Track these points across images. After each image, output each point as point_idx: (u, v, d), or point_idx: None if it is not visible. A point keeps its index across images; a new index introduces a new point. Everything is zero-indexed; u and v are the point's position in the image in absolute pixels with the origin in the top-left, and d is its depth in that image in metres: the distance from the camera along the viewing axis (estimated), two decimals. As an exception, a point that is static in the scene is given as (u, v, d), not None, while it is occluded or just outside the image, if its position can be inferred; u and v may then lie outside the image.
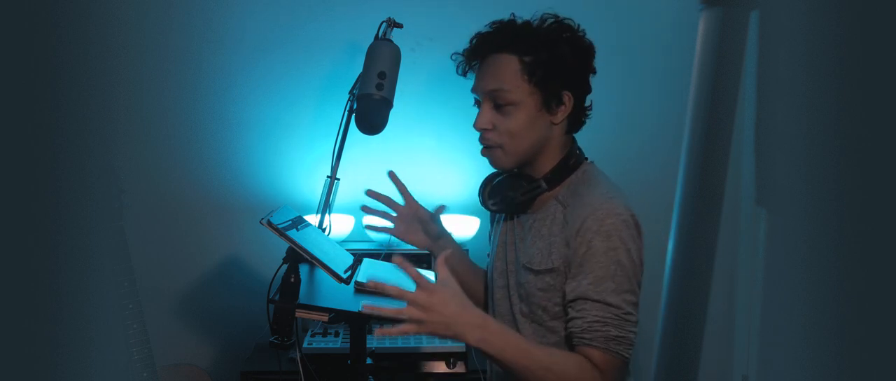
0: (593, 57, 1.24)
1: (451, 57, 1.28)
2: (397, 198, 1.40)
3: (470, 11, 2.09)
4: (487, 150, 1.24)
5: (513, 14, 1.24)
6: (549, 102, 1.19)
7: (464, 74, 1.28)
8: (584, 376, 1.08)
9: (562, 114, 1.21)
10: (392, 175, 1.36)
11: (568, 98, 1.20)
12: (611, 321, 1.09)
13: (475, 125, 1.23)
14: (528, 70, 1.17)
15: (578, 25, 1.23)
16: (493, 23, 1.24)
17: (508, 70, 1.19)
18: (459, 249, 1.51)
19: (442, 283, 1.07)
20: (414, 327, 1.03)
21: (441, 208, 1.41)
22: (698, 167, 0.72)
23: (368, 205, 1.36)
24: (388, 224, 1.40)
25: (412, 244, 1.42)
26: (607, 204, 1.14)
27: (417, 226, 1.41)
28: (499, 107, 1.20)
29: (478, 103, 1.25)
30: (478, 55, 1.23)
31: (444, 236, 1.45)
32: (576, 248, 1.14)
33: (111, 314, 1.57)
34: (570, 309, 1.14)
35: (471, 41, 1.25)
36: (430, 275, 1.50)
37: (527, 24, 1.22)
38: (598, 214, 1.13)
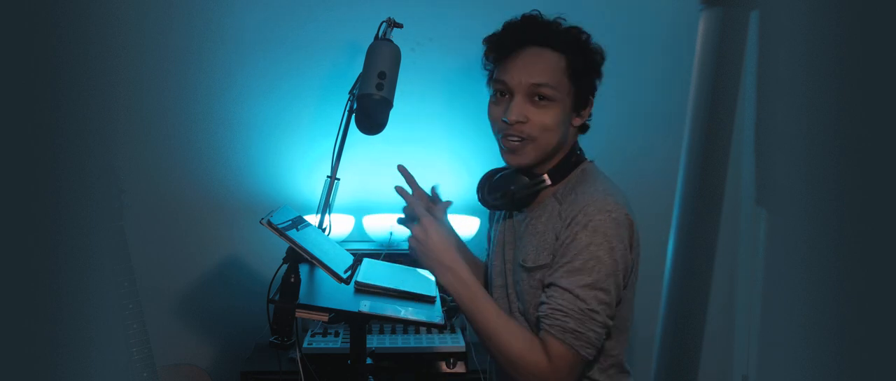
0: (603, 61, 1.26)
1: (483, 42, 1.25)
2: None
3: (470, 11, 2.09)
4: (515, 143, 1.20)
5: (538, 11, 1.23)
6: (580, 103, 1.22)
7: (493, 62, 1.24)
8: (530, 355, 1.09)
9: (585, 116, 1.24)
10: (401, 169, 1.41)
11: (590, 102, 1.24)
12: (573, 313, 1.09)
13: (509, 117, 1.18)
14: (572, 69, 1.19)
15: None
16: (530, 15, 1.22)
17: (555, 67, 1.18)
18: (461, 241, 1.51)
19: (434, 231, 1.20)
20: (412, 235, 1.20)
21: (434, 188, 1.45)
22: (698, 167, 0.72)
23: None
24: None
25: None
26: (601, 201, 1.14)
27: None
28: (535, 101, 1.18)
29: (501, 95, 1.22)
30: (514, 46, 1.20)
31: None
32: (563, 240, 1.15)
33: (111, 314, 1.57)
34: (542, 294, 1.15)
35: (504, 30, 1.22)
36: (429, 275, 1.50)
37: (559, 23, 1.22)
38: (588, 209, 1.13)
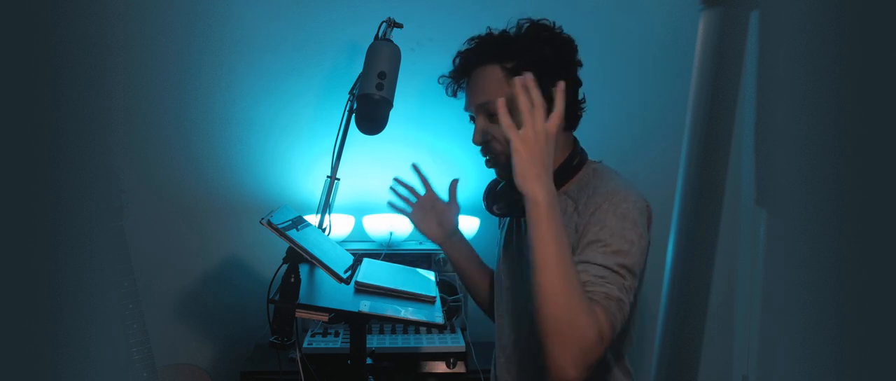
0: (575, 51, 1.24)
1: (438, 80, 1.30)
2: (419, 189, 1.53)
3: (470, 12, 2.09)
4: (491, 162, 1.26)
5: (489, 27, 1.25)
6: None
7: (454, 95, 1.29)
8: (594, 317, 0.98)
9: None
10: (415, 168, 1.46)
11: (558, 96, 1.17)
12: (611, 279, 1.04)
13: (473, 141, 1.24)
14: (512, 75, 1.17)
15: (555, 23, 1.24)
16: (472, 39, 1.25)
17: (493, 80, 1.19)
18: (469, 246, 1.53)
19: (548, 146, 1.04)
20: (515, 143, 1.03)
21: (455, 182, 1.49)
22: (698, 167, 0.72)
23: (395, 188, 1.51)
24: (407, 207, 1.51)
25: (425, 234, 1.51)
26: (624, 191, 1.15)
27: (433, 217, 1.50)
28: (492, 118, 1.21)
29: (473, 120, 1.26)
30: (463, 73, 1.25)
31: (457, 233, 1.51)
32: (587, 226, 1.12)
33: (111, 314, 1.57)
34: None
35: (454, 61, 1.26)
36: (429, 275, 1.50)
37: (503, 33, 1.23)
38: (614, 198, 1.13)
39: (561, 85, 1.09)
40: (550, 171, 1.03)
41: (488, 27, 1.25)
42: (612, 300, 1.02)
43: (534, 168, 1.02)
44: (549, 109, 1.19)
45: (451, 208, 1.49)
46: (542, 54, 1.18)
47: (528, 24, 1.22)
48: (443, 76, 1.29)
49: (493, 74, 1.20)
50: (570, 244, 1.05)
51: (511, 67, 1.18)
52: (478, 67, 1.22)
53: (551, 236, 1.00)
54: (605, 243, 1.08)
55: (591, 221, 1.13)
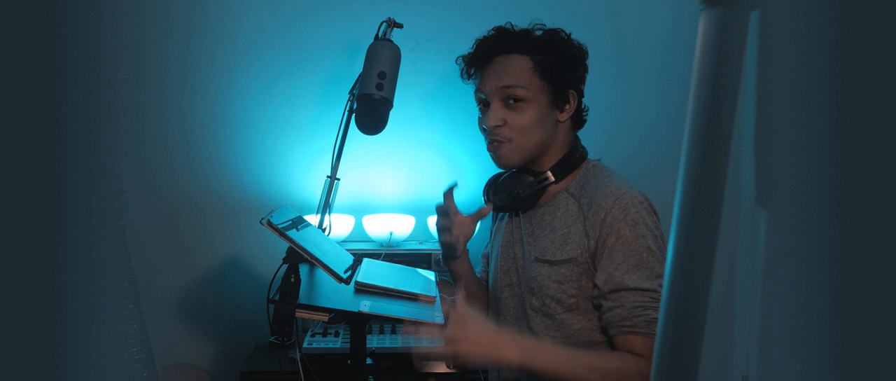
0: (586, 57, 1.31)
1: (455, 61, 1.32)
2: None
3: (470, 12, 2.09)
4: (497, 146, 1.27)
5: (509, 23, 1.30)
6: (558, 99, 1.26)
7: (468, 77, 1.32)
8: (628, 366, 1.10)
9: (568, 112, 1.27)
10: (448, 195, 1.39)
11: (573, 97, 1.27)
12: (649, 303, 1.12)
13: (487, 123, 1.26)
14: (541, 68, 1.23)
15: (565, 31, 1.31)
16: (497, 28, 1.29)
17: (522, 68, 1.24)
18: (471, 267, 1.54)
19: (470, 315, 1.11)
20: (451, 357, 1.08)
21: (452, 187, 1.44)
22: (698, 167, 0.72)
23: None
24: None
25: (452, 241, 1.45)
26: (628, 194, 1.17)
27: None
28: (510, 104, 1.24)
29: (483, 104, 1.29)
30: (485, 58, 1.28)
31: (466, 252, 1.49)
32: (603, 238, 1.16)
33: (111, 314, 1.57)
34: (605, 300, 1.16)
35: (476, 46, 1.29)
36: (429, 275, 1.50)
37: (526, 30, 1.29)
38: (621, 203, 1.16)
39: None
40: (499, 332, 1.10)
41: (509, 22, 1.30)
42: (651, 323, 1.11)
43: (491, 349, 1.08)
44: (563, 106, 1.26)
45: (470, 226, 1.47)
46: (566, 54, 1.25)
47: (547, 28, 1.29)
48: (461, 57, 1.32)
49: (522, 62, 1.24)
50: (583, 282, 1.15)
51: (540, 60, 1.23)
52: (504, 55, 1.26)
53: (552, 364, 1.09)
54: (627, 262, 1.13)
55: (604, 230, 1.16)
